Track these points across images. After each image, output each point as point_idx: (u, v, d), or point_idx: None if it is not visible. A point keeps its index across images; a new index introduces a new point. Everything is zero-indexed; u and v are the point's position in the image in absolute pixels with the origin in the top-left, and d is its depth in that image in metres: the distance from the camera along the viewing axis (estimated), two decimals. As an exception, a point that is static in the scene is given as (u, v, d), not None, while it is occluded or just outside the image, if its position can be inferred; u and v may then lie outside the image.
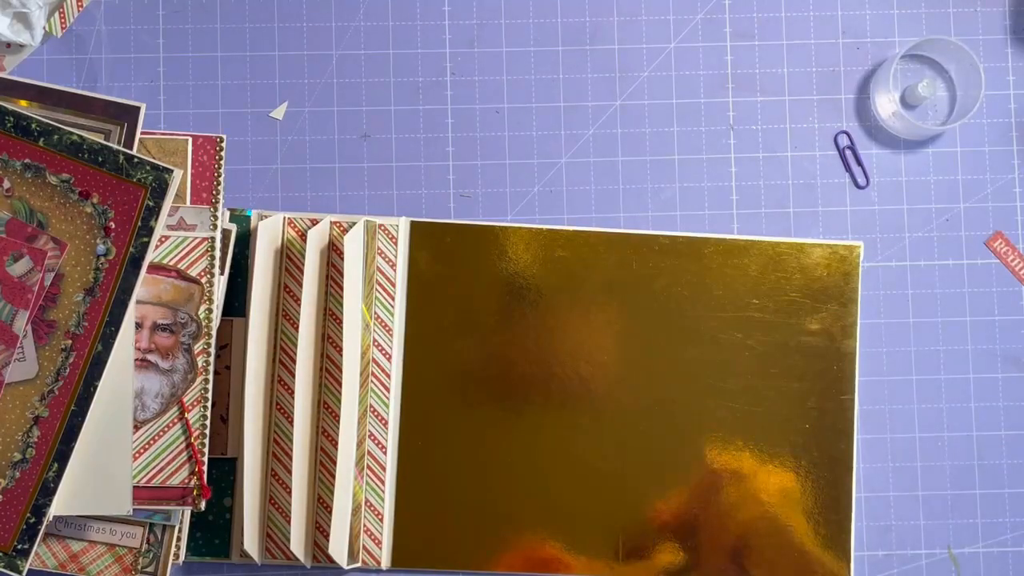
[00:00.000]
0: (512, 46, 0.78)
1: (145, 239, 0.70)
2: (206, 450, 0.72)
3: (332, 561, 0.73)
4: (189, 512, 0.73)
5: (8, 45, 0.76)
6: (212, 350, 0.72)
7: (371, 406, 0.75)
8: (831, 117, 0.78)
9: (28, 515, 0.69)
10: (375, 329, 0.75)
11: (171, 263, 0.72)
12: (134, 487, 0.70)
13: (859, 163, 0.77)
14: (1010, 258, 0.76)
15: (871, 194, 0.77)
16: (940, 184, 0.78)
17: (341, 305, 0.73)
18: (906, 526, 0.77)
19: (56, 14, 0.76)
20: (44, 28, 0.76)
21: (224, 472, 0.74)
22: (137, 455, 0.71)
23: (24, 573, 0.68)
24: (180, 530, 0.73)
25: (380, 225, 0.76)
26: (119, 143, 0.71)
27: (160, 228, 0.70)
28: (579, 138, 0.78)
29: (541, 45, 0.78)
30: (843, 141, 0.77)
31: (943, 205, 0.77)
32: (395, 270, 0.76)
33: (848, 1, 0.78)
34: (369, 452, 0.75)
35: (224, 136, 0.74)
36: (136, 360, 0.71)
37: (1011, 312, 0.77)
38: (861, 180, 0.77)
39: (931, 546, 0.77)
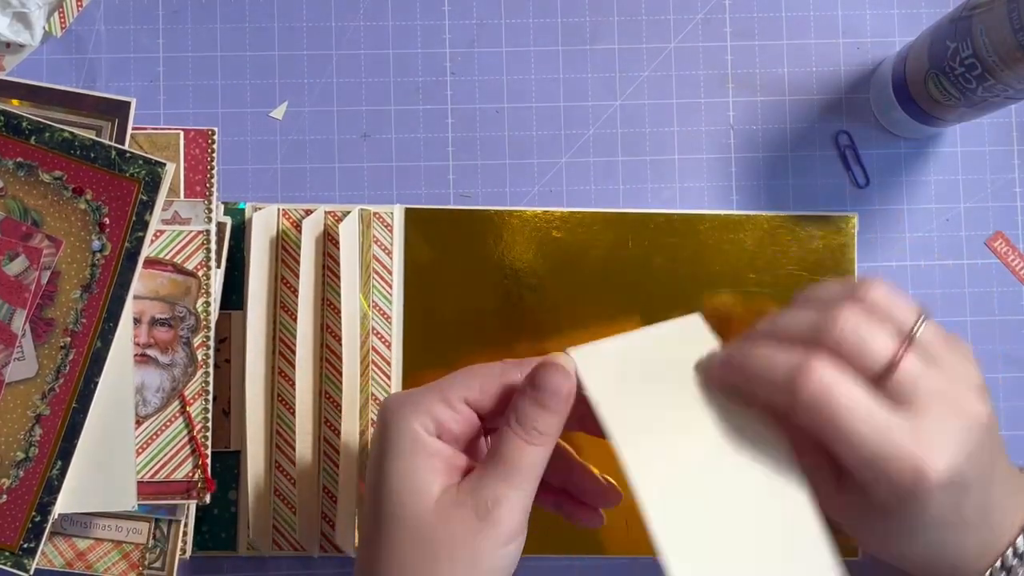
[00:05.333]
0: (512, 46, 0.77)
1: (140, 234, 0.70)
2: (209, 443, 0.72)
3: (339, 550, 0.73)
4: (195, 507, 0.74)
5: (8, 45, 0.76)
6: (211, 343, 0.72)
7: (373, 394, 0.75)
8: (831, 117, 0.77)
9: (33, 513, 0.69)
10: (373, 317, 0.75)
11: (167, 257, 0.72)
12: (138, 482, 0.71)
13: (859, 163, 0.77)
14: (1010, 258, 0.76)
15: (871, 194, 0.77)
16: (940, 184, 0.77)
17: (338, 294, 0.73)
18: (903, 523, 0.77)
19: (56, 14, 0.76)
20: (44, 28, 0.76)
21: (228, 466, 0.75)
22: (140, 450, 0.71)
23: (31, 571, 0.69)
24: (186, 525, 0.73)
25: (375, 213, 0.75)
26: (111, 139, 0.71)
27: (155, 222, 0.70)
28: (579, 138, 0.77)
29: (541, 45, 0.77)
30: (843, 141, 0.77)
31: (943, 205, 0.77)
32: (391, 257, 0.76)
33: (848, 1, 0.78)
34: (371, 445, 0.75)
35: (216, 129, 0.74)
36: (136, 355, 0.71)
37: (1011, 312, 0.77)
38: (861, 180, 0.77)
39: (928, 542, 0.77)
